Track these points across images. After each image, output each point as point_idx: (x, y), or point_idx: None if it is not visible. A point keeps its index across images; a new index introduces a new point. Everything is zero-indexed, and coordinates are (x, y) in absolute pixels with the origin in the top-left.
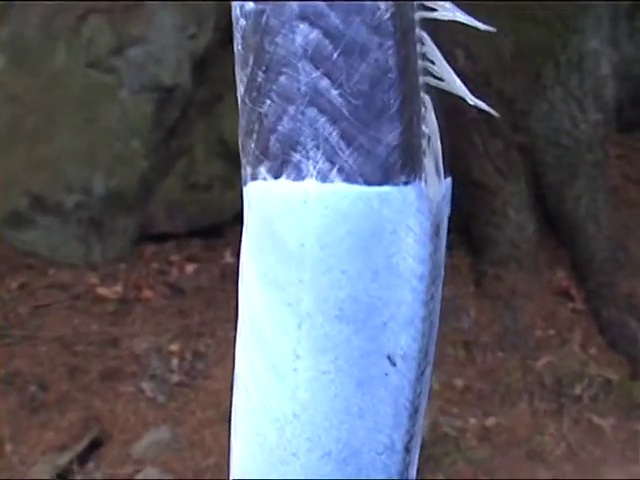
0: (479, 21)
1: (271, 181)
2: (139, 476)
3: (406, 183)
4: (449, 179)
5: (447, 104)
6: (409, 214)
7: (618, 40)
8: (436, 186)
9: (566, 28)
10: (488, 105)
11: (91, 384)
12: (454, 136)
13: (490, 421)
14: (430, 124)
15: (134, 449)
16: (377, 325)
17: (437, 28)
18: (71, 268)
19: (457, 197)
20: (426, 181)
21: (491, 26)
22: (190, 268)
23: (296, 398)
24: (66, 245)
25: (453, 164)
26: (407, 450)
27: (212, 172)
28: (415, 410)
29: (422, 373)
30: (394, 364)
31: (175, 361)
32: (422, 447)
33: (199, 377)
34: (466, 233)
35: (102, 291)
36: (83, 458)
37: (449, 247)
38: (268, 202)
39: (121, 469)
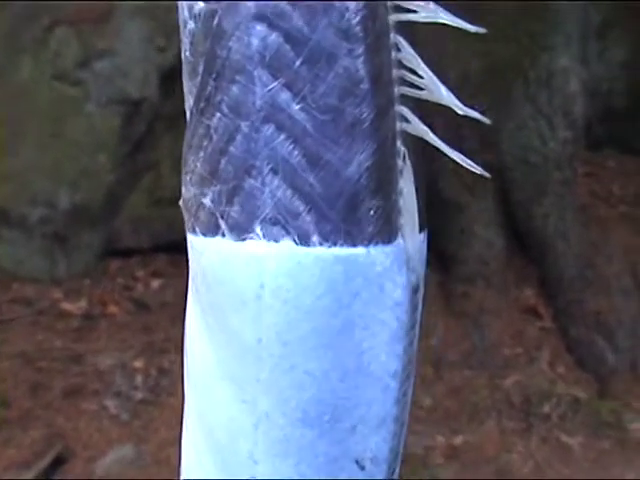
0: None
1: (216, 240)
2: None
3: (380, 240)
4: (424, 234)
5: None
6: (384, 288)
7: (587, 58)
8: (415, 238)
9: (536, 46)
10: (457, 121)
11: (54, 401)
12: (423, 154)
13: (458, 439)
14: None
15: (98, 466)
16: (345, 428)
17: (407, 41)
18: (35, 283)
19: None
20: (403, 235)
21: (462, 41)
22: (155, 283)
23: None
24: (30, 259)
25: (420, 181)
26: None
27: (178, 187)
28: None
29: (392, 473)
30: (362, 468)
31: (139, 378)
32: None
33: (163, 394)
34: (434, 250)
35: (66, 306)
36: (46, 475)
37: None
38: (215, 266)
39: None
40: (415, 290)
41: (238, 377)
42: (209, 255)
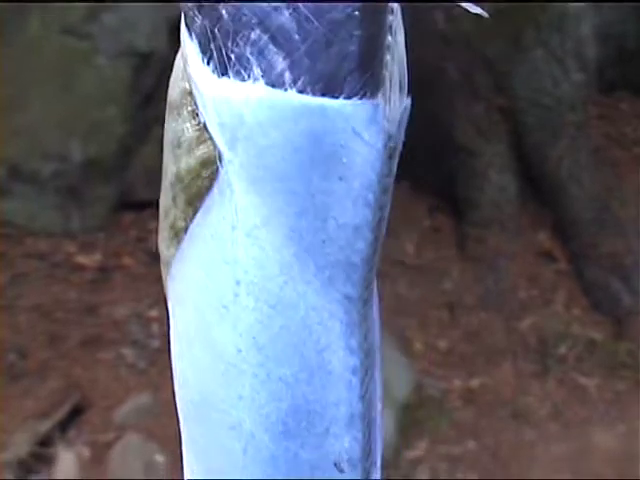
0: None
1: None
2: (121, 442)
3: (362, 93)
4: (409, 100)
5: (427, 69)
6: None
7: (599, 1)
8: (397, 105)
9: None
10: (469, 68)
11: (71, 351)
12: (435, 100)
13: (474, 382)
14: (397, 34)
15: (115, 415)
16: (320, 433)
17: None
18: (49, 237)
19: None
20: (386, 98)
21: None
22: None
23: None
24: (44, 214)
25: (434, 128)
26: None
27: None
28: None
29: (368, 474)
30: (342, 471)
31: (155, 327)
32: (407, 409)
33: None
34: (448, 195)
35: (81, 259)
36: (64, 425)
37: (433, 209)
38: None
39: (103, 435)
40: (390, 156)
41: (222, 401)
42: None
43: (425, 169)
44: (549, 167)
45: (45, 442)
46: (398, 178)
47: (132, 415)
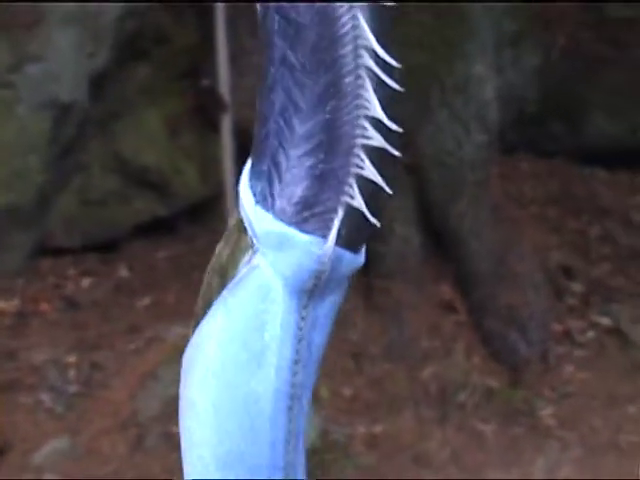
0: None
1: None
2: None
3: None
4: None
5: None
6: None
7: (502, 66)
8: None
9: (452, 53)
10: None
11: None
12: None
13: (377, 428)
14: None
15: (34, 458)
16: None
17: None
18: None
19: None
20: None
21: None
22: (86, 282)
23: None
24: None
25: None
26: None
27: (107, 188)
28: None
29: None
30: None
31: (72, 372)
32: (313, 453)
33: (97, 387)
34: None
35: (0, 305)
36: None
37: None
38: None
39: (22, 476)
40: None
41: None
42: None
43: None
44: (451, 222)
45: None
46: None
47: (50, 458)
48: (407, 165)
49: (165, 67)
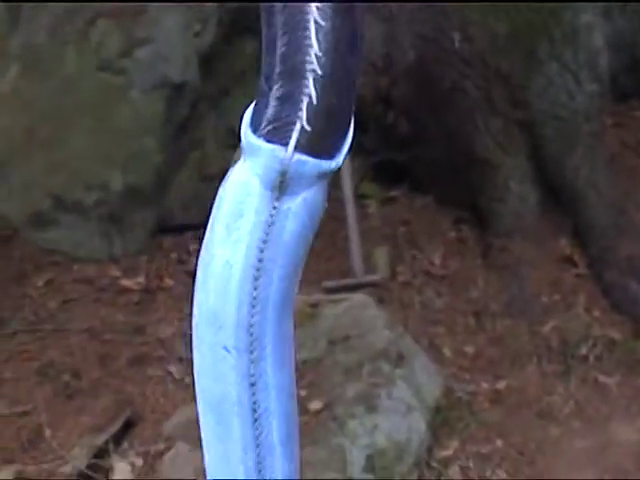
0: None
1: None
2: (171, 452)
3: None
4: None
5: (447, 87)
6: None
7: (610, 12)
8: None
9: (559, 4)
10: (486, 84)
11: (121, 370)
12: (455, 116)
13: (501, 384)
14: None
15: (165, 427)
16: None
17: (434, 13)
18: (95, 262)
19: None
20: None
21: (486, 9)
22: None
23: None
24: (88, 241)
25: (456, 143)
26: None
27: (224, 163)
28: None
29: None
30: None
31: None
32: (437, 411)
33: None
34: (472, 208)
35: (125, 282)
36: (118, 438)
37: (458, 221)
38: None
39: (154, 446)
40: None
41: None
42: None
43: (449, 183)
44: (567, 176)
45: (101, 454)
46: (424, 192)
47: (180, 427)
48: (519, 121)
49: None
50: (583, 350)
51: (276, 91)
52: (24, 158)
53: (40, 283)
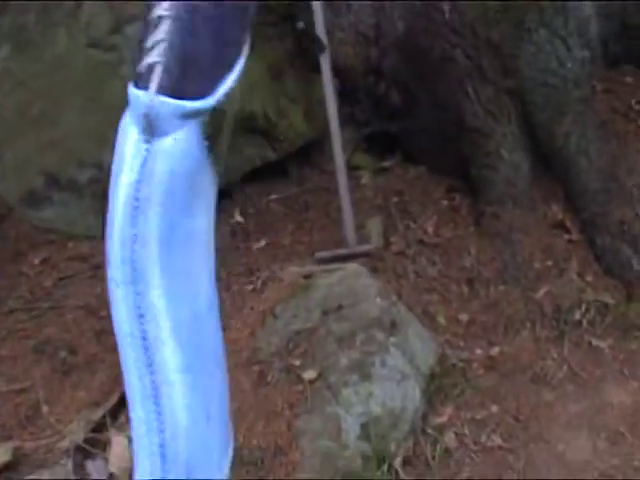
0: None
1: None
2: None
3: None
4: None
5: (437, 57)
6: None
7: None
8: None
9: None
10: (477, 53)
11: (117, 345)
12: (445, 86)
13: (495, 350)
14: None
15: None
16: None
17: None
18: (89, 240)
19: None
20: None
21: None
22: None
23: None
24: (83, 219)
25: (447, 112)
26: None
27: None
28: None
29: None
30: None
31: None
32: (432, 378)
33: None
34: (464, 176)
35: None
36: (115, 412)
37: (450, 190)
38: None
39: None
40: None
41: None
42: None
43: (441, 152)
44: (558, 142)
45: (98, 429)
46: (416, 162)
47: None
48: (509, 89)
49: (263, 13)
50: (576, 315)
51: (142, 42)
52: (17, 137)
53: (36, 261)
